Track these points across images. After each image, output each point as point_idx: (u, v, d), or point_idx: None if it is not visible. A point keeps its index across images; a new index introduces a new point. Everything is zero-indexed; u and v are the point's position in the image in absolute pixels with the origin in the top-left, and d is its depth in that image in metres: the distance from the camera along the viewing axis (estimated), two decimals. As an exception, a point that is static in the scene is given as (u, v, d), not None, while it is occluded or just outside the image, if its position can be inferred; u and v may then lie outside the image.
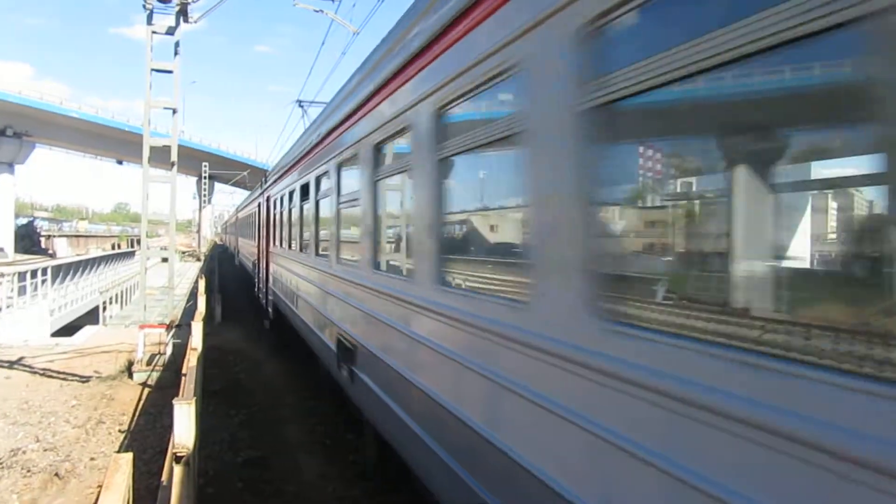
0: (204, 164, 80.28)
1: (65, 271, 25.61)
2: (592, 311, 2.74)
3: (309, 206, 10.80)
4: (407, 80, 5.26)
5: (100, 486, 5.50)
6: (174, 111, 16.57)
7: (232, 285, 30.39)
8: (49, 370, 14.39)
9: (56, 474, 8.53)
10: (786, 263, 2.36)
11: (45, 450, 9.46)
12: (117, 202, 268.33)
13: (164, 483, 5.78)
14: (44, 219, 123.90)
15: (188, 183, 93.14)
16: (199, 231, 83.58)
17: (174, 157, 16.53)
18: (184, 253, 65.13)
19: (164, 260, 17.89)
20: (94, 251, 57.82)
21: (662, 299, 2.72)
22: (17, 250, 68.67)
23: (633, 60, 2.48)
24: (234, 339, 17.99)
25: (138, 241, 22.02)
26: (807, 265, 2.35)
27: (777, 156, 2.40)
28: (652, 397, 2.38)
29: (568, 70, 2.91)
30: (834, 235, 2.33)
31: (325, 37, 20.14)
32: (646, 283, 2.87)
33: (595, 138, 2.77)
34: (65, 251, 69.72)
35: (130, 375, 13.79)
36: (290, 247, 13.48)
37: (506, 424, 3.55)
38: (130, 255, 41.39)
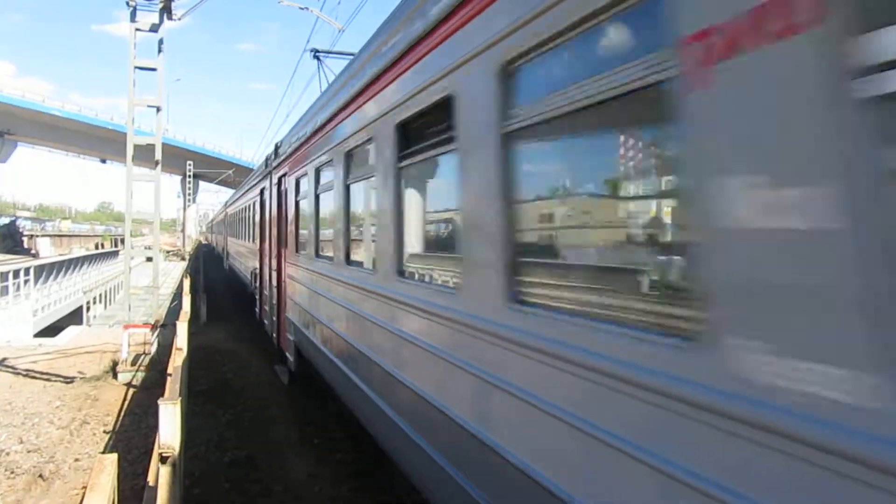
0: (188, 162, 79.68)
1: (48, 271, 25.38)
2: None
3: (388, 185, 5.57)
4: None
5: (84, 487, 5.45)
6: (158, 109, 16.45)
7: (218, 285, 30.16)
8: (32, 371, 14.24)
9: (40, 475, 8.44)
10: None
11: (29, 451, 9.36)
12: (101, 201, 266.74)
13: (150, 484, 5.75)
14: (26, 218, 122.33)
15: (172, 182, 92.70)
16: (183, 230, 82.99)
17: (158, 155, 16.39)
18: (168, 252, 64.56)
19: (149, 259, 17.78)
20: (78, 251, 57.27)
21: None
22: (-2, 250, 67.96)
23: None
24: (221, 339, 17.87)
25: (122, 241, 21.84)
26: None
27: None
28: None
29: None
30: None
31: (311, 34, 20.10)
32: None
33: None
34: (48, 251, 68.86)
35: (115, 376, 13.66)
36: (329, 256, 8.10)
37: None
38: (114, 254, 40.99)
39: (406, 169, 5.13)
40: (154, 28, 16.07)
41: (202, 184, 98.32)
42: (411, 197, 5.28)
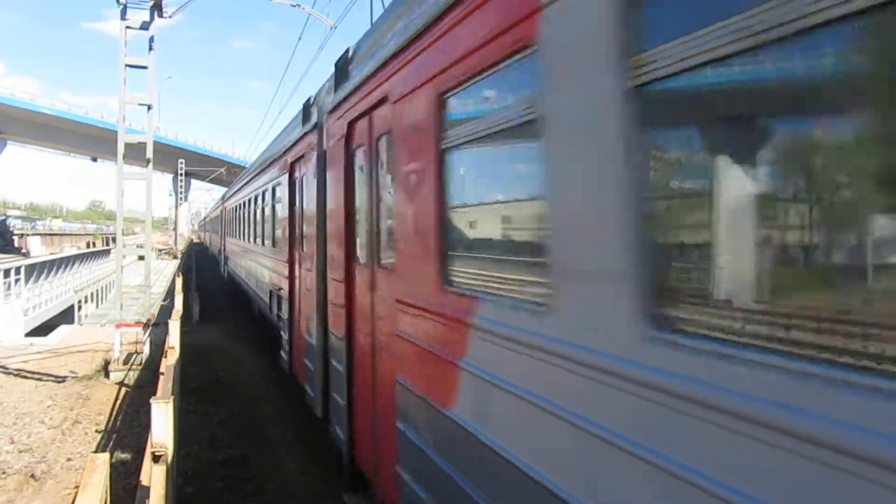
0: (180, 160, 79.29)
1: (39, 270, 25.19)
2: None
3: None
4: None
5: (77, 487, 5.43)
6: (149, 107, 16.40)
7: (210, 284, 30.08)
8: (23, 371, 14.15)
9: (32, 475, 8.40)
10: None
11: (21, 451, 9.32)
12: (92, 200, 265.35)
13: (143, 483, 5.73)
14: (17, 217, 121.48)
15: (164, 180, 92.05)
16: (175, 229, 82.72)
17: (149, 153, 16.34)
18: (160, 251, 64.30)
19: (141, 258, 17.69)
20: (69, 250, 56.90)
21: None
22: (-12, 249, 67.41)
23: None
24: (214, 338, 17.82)
25: (113, 239, 21.72)
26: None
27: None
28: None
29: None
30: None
31: (303, 31, 20.03)
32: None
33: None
34: (38, 250, 68.38)
35: (107, 375, 13.61)
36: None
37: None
38: (106, 253, 40.78)
39: None
40: (145, 26, 16.01)
41: (194, 182, 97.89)
42: None
